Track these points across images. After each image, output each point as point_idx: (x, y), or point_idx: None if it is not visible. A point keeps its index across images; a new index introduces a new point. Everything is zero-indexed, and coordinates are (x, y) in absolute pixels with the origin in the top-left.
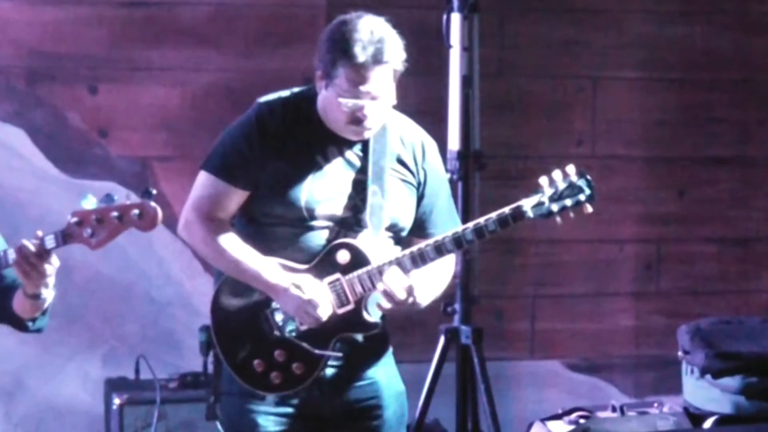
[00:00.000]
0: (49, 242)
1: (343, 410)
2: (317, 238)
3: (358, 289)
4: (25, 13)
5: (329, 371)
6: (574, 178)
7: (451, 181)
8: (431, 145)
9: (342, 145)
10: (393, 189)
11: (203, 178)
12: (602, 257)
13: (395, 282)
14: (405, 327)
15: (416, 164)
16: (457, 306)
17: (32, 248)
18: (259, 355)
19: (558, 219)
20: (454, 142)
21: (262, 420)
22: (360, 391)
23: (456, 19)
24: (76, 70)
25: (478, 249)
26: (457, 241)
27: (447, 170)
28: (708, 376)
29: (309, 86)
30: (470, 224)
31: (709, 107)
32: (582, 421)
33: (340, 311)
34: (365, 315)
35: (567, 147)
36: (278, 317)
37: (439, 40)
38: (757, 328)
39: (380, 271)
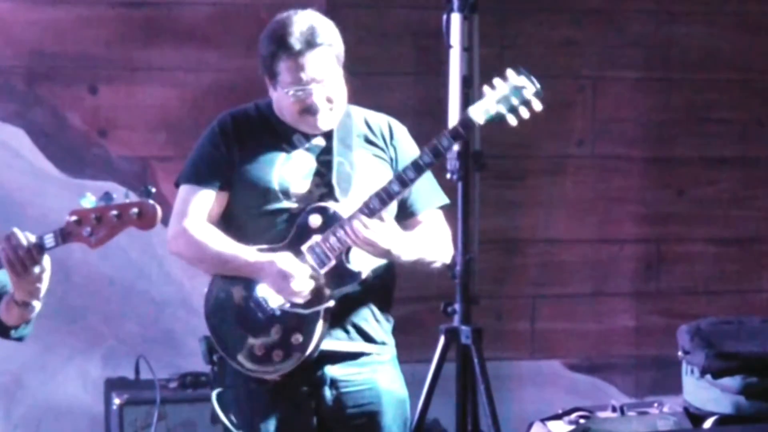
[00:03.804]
0: (49, 241)
1: (340, 413)
2: (293, 218)
3: (336, 244)
4: (25, 13)
5: (331, 370)
6: (514, 77)
7: (451, 181)
8: (398, 126)
9: (308, 133)
10: (362, 161)
11: (180, 192)
12: (602, 257)
13: (363, 225)
14: (405, 327)
15: (385, 143)
16: (457, 306)
17: (22, 239)
18: (257, 337)
19: (512, 120)
20: None
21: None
22: (359, 396)
23: (456, 19)
24: (76, 70)
25: (478, 249)
26: (416, 166)
27: (447, 170)
28: (708, 376)
29: (269, 98)
30: (426, 148)
31: (709, 107)
32: (582, 421)
33: (323, 270)
34: (348, 266)
35: (567, 147)
36: (262, 296)
37: (439, 40)
38: (757, 328)
39: (350, 219)
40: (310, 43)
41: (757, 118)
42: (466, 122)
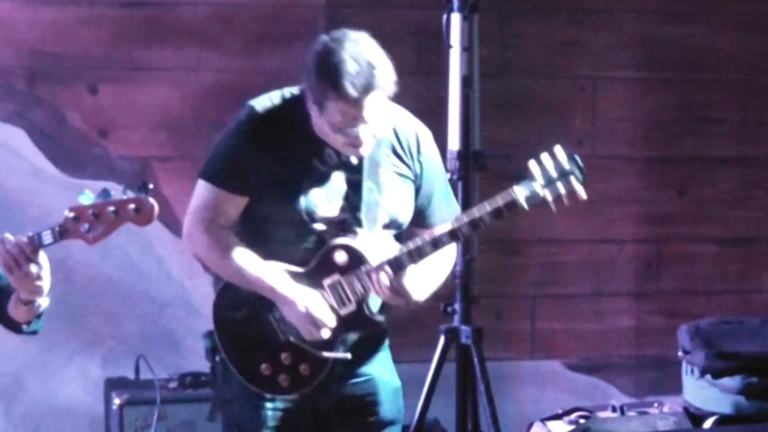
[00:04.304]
0: (47, 238)
1: (339, 406)
2: (317, 239)
3: (358, 288)
4: (25, 13)
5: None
6: (564, 162)
7: (451, 181)
8: (425, 135)
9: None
10: (389, 184)
11: (200, 187)
12: (602, 257)
13: (389, 282)
14: (405, 327)
15: (411, 157)
16: (457, 306)
17: (11, 238)
18: (266, 358)
19: (553, 207)
20: (454, 142)
21: (266, 418)
22: (356, 387)
23: (456, 19)
24: (76, 70)
25: (478, 249)
26: (454, 235)
27: (447, 170)
28: (708, 376)
29: (301, 88)
30: (465, 217)
31: (709, 107)
32: (582, 421)
33: (343, 312)
34: (367, 313)
35: (567, 147)
36: (284, 323)
37: (439, 40)
38: (757, 328)
39: (378, 269)
40: (368, 89)
41: (757, 118)
42: (511, 204)
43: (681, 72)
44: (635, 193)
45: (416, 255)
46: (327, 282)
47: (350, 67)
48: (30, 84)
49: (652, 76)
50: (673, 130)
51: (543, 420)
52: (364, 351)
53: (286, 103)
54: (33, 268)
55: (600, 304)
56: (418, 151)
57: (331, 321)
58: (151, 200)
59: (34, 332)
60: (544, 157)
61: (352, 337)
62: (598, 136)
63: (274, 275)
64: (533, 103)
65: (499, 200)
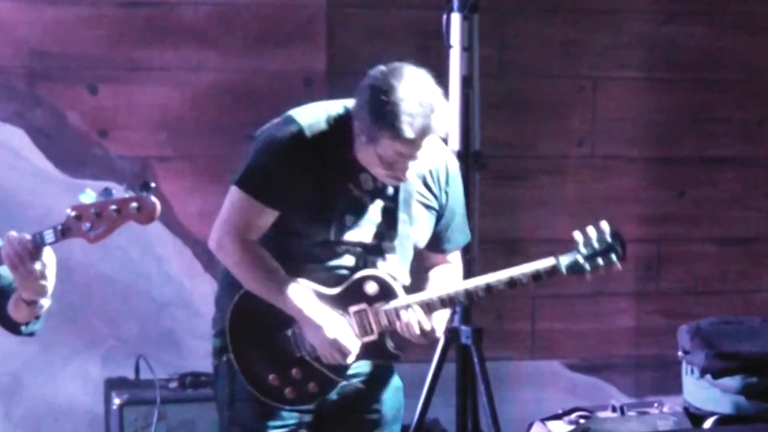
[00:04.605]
0: (48, 237)
1: (341, 404)
2: (343, 261)
3: (384, 322)
4: (25, 13)
5: None
6: (609, 239)
7: None
8: (454, 165)
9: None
10: (418, 215)
11: (237, 196)
12: None
13: (418, 322)
14: None
15: (439, 188)
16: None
17: (15, 235)
18: (275, 369)
19: (588, 277)
20: (454, 142)
21: (268, 419)
22: (358, 387)
23: (456, 19)
24: (76, 70)
25: (478, 249)
26: (488, 290)
27: None
28: (708, 376)
29: (345, 106)
30: (503, 276)
31: (710, 107)
32: (582, 421)
33: (364, 340)
34: (389, 346)
35: (567, 147)
36: (302, 340)
37: (439, 40)
38: (757, 328)
39: (408, 307)
40: (425, 132)
41: (757, 118)
42: (552, 271)
43: (681, 72)
44: (635, 193)
45: (448, 302)
46: (353, 309)
47: (409, 107)
48: (30, 84)
49: (652, 76)
50: (673, 130)
51: (543, 420)
52: (376, 379)
53: (332, 123)
54: (37, 266)
55: (600, 304)
56: (447, 183)
57: (355, 349)
58: (153, 198)
59: (31, 333)
60: (590, 229)
61: (366, 365)
62: (598, 136)
63: (302, 296)
64: (533, 103)
65: (541, 267)
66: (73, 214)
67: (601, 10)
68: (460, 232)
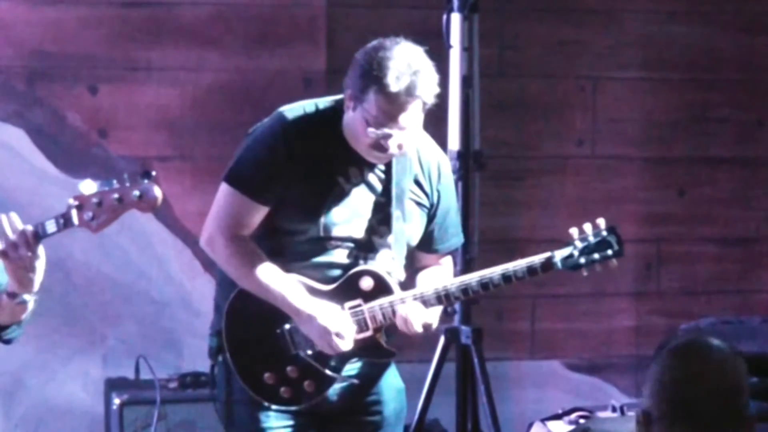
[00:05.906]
0: (50, 227)
1: (343, 406)
2: (334, 257)
3: (379, 317)
4: (25, 13)
5: None
6: (604, 233)
7: None
8: (446, 163)
9: (364, 166)
10: (411, 212)
11: (227, 192)
12: None
13: (415, 317)
14: None
15: (431, 186)
16: (457, 306)
17: (18, 222)
18: (270, 368)
19: (584, 272)
20: (454, 142)
21: (268, 420)
22: (360, 388)
23: (456, 19)
24: (76, 70)
25: (478, 249)
26: (484, 285)
27: None
28: None
29: (335, 100)
30: (498, 270)
31: (709, 107)
32: (582, 421)
33: (359, 337)
34: (383, 342)
35: (567, 147)
36: (297, 337)
37: (439, 40)
38: (757, 328)
39: (403, 302)
40: (410, 91)
41: (757, 118)
42: (548, 265)
43: (681, 72)
44: (635, 193)
45: (444, 298)
46: (348, 305)
47: (399, 64)
48: (30, 84)
49: (652, 76)
50: (673, 130)
51: (543, 420)
52: (377, 381)
53: (320, 115)
54: (28, 253)
55: (600, 304)
56: (438, 181)
57: (351, 333)
58: (155, 187)
59: (9, 341)
60: (586, 226)
61: (361, 361)
62: (598, 136)
63: (295, 291)
64: (533, 103)
65: (536, 260)
66: (74, 203)
67: (601, 10)
68: (452, 233)
